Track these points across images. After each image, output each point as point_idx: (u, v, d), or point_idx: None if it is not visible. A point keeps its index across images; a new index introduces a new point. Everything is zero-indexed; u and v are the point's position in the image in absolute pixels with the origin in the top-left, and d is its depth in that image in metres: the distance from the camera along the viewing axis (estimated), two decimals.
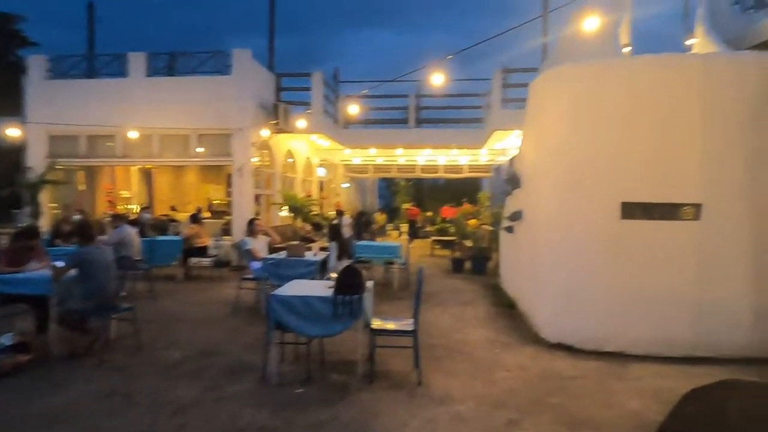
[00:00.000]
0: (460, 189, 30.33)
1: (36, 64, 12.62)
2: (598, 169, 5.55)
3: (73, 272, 5.23)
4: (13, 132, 12.51)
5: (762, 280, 5.23)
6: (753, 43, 6.17)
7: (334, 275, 5.01)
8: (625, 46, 8.02)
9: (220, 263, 10.96)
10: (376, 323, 4.74)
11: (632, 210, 5.44)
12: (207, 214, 14.74)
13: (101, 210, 14.18)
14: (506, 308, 7.73)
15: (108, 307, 5.28)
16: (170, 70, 12.46)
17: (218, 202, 17.41)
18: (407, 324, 4.74)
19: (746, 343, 5.22)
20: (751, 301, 5.23)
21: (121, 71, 12.37)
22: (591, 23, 6.03)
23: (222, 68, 12.12)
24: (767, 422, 2.77)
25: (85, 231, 5.49)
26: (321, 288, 4.82)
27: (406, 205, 25.77)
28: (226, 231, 12.52)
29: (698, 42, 7.92)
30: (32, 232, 5.98)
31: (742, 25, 7.66)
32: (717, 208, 5.26)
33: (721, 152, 5.26)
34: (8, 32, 24.53)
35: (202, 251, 10.42)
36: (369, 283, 4.80)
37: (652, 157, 5.38)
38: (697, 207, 5.30)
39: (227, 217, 13.29)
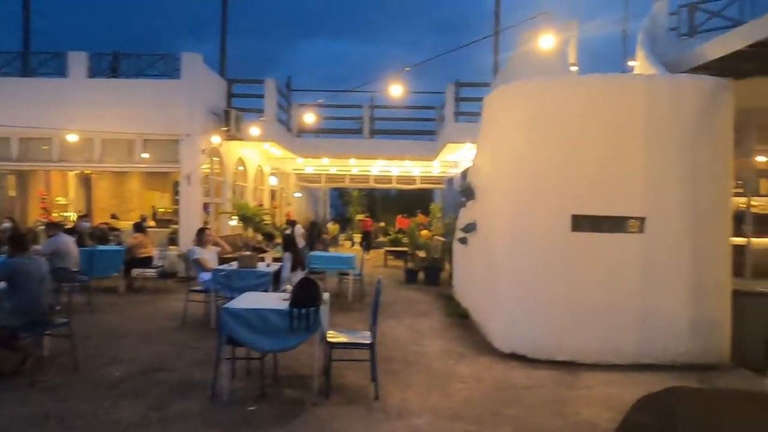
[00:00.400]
0: (413, 200, 30.66)
1: None
2: (551, 182, 5.71)
3: (2, 285, 4.82)
4: None
5: (699, 291, 5.52)
6: (688, 67, 6.57)
7: (289, 287, 4.87)
8: (573, 65, 8.37)
9: (166, 274, 10.48)
10: (333, 336, 4.64)
11: (582, 222, 5.63)
12: (152, 223, 14.10)
13: (34, 217, 13.27)
14: (460, 318, 7.79)
15: (41, 322, 4.89)
16: (114, 72, 11.90)
17: (164, 210, 16.70)
18: (364, 336, 4.67)
19: (686, 350, 5.48)
20: (689, 310, 5.51)
21: (60, 71, 11.69)
22: (546, 41, 6.24)
23: (171, 72, 11.70)
24: (714, 429, 2.88)
25: (16, 240, 5.09)
26: (275, 300, 4.67)
27: (359, 216, 25.65)
28: (173, 240, 12.01)
29: (639, 64, 8.37)
30: None
31: (677, 49, 8.17)
32: (659, 221, 5.53)
33: (662, 169, 5.55)
34: None
35: (146, 262, 9.92)
36: (325, 295, 4.69)
37: (600, 171, 5.60)
38: (642, 220, 5.55)
39: (173, 226, 12.76)
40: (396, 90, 7.94)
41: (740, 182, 6.75)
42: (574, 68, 8.34)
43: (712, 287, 5.55)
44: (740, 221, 6.61)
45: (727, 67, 5.85)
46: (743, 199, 6.85)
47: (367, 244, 19.33)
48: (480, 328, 6.89)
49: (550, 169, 5.72)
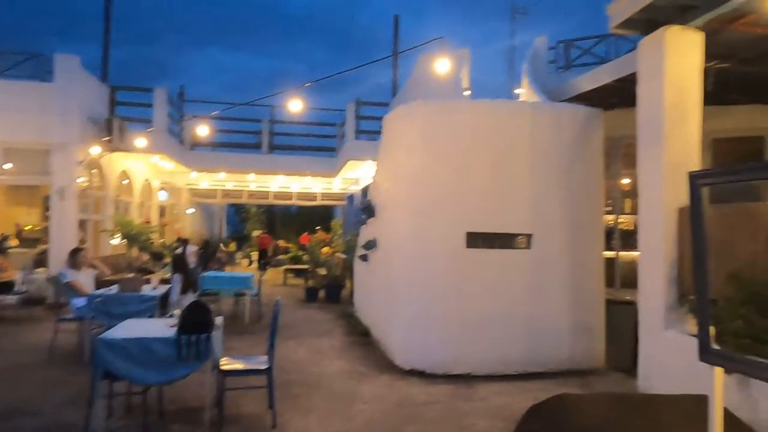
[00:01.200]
0: (314, 217, 30.35)
1: None
2: (446, 200, 5.92)
3: None
4: None
5: (578, 300, 6.01)
6: (565, 97, 7.23)
7: (177, 312, 4.50)
8: (466, 89, 8.85)
9: (31, 301, 9.28)
10: (226, 363, 4.35)
11: (476, 239, 5.89)
12: (15, 242, 12.42)
13: None
14: (361, 336, 7.76)
15: None
16: None
17: (30, 227, 14.85)
18: (261, 362, 4.43)
19: (567, 357, 5.92)
20: (570, 318, 5.96)
21: None
22: (442, 66, 6.52)
23: (42, 74, 10.51)
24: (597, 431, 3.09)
25: None
26: (161, 327, 4.28)
27: (256, 233, 24.58)
28: (40, 262, 10.67)
29: (524, 92, 9.07)
30: None
31: (556, 80, 8.98)
32: (544, 237, 5.95)
33: (545, 189, 6.00)
34: None
35: (6, 287, 8.69)
36: (218, 319, 4.40)
37: (491, 191, 5.92)
38: (529, 237, 5.94)
39: (42, 246, 11.35)
40: (296, 105, 7.83)
41: (609, 202, 7.53)
42: (467, 93, 8.81)
43: (589, 296, 6.07)
44: (610, 237, 7.35)
45: (597, 98, 6.52)
46: (612, 217, 7.64)
47: (264, 262, 18.67)
48: (381, 345, 6.90)
49: (445, 188, 5.93)
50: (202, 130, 12.47)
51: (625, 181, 7.86)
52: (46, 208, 11.43)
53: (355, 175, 15.47)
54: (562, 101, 6.92)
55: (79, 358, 6.13)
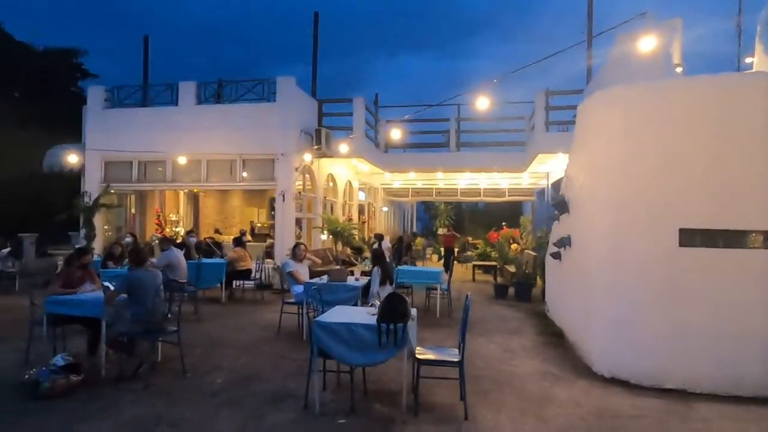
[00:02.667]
0: (502, 213, 29.89)
1: (94, 94, 13.36)
2: (653, 193, 5.29)
3: (123, 295, 5.36)
4: (73, 158, 13.20)
5: None
6: None
7: (377, 302, 4.92)
8: (677, 66, 7.74)
9: (262, 286, 11.07)
10: (421, 353, 4.60)
11: (691, 237, 5.14)
12: (250, 238, 15.01)
13: (150, 232, 14.67)
14: (554, 338, 7.41)
15: (156, 330, 5.36)
16: (218, 98, 12.93)
17: (261, 225, 17.74)
18: (453, 354, 4.58)
19: None
20: None
21: (172, 100, 12.92)
22: (647, 43, 5.84)
23: (267, 95, 12.48)
24: None
25: (136, 255, 5.64)
26: (364, 315, 4.74)
27: (441, 231, 24.60)
28: (269, 254, 12.68)
29: (757, 60, 7.54)
30: (84, 254, 6.18)
31: None
32: None
33: None
34: (70, 65, 26.18)
35: (245, 274, 10.56)
36: (413, 311, 4.68)
37: (711, 180, 5.09)
38: (766, 234, 4.95)
39: (270, 240, 13.48)
40: (482, 103, 7.82)
41: None
42: (679, 69, 7.71)
43: None
44: None
45: None
46: None
47: (447, 263, 18.58)
48: (576, 348, 6.49)
49: (652, 180, 5.30)
50: (395, 134, 13.31)
51: None
52: (272, 209, 13.53)
53: (545, 169, 14.76)
54: None
55: (299, 336, 7.14)
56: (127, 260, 7.70)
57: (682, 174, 5.18)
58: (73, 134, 14.69)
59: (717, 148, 5.10)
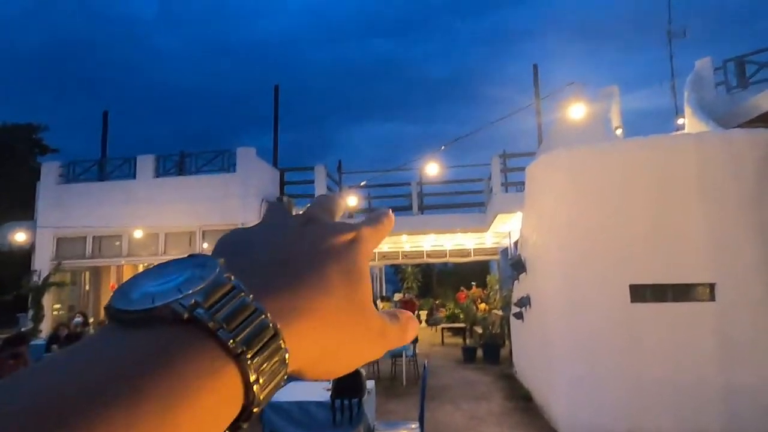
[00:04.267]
0: (470, 272, 30.03)
1: (49, 170, 13.13)
2: (602, 251, 5.42)
3: None
4: (21, 237, 12.71)
5: None
6: (742, 121, 6.27)
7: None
8: (617, 128, 8.22)
9: None
10: (379, 431, 4.39)
11: (642, 292, 5.23)
12: None
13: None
14: (522, 401, 7.23)
15: None
16: (178, 171, 12.89)
17: None
18: (412, 429, 4.39)
19: None
20: None
21: (130, 173, 12.80)
22: (577, 111, 6.22)
23: (227, 166, 12.53)
24: None
25: (76, 340, 5.32)
26: (319, 390, 4.53)
27: (398, 296, 22.34)
28: None
29: (688, 121, 8.10)
30: (19, 340, 5.79)
31: (727, 104, 7.88)
32: (732, 286, 5.03)
33: (726, 229, 5.14)
34: (30, 141, 25.92)
35: None
36: (370, 384, 4.51)
37: (656, 236, 5.26)
38: (711, 286, 5.08)
39: None
40: (432, 168, 8.05)
41: None
42: (619, 131, 8.18)
43: None
44: None
45: None
46: None
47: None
48: (543, 411, 6.34)
49: (600, 238, 5.44)
50: (352, 201, 13.43)
51: None
52: None
53: (506, 228, 15.06)
54: (737, 126, 6.02)
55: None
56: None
57: (627, 231, 5.35)
58: (30, 211, 14.28)
59: (657, 205, 5.32)
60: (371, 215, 0.39)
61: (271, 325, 0.25)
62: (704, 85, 8.58)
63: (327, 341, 0.29)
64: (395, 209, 17.19)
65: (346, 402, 4.09)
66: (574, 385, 5.42)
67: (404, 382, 8.82)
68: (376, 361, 9.19)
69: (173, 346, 0.23)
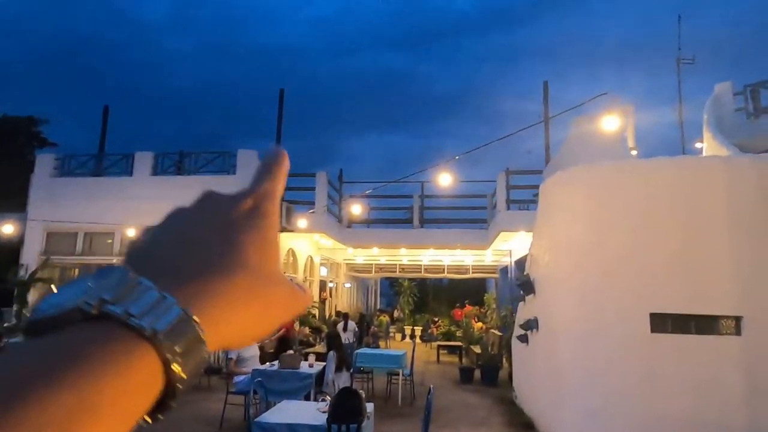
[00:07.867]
0: (466, 289, 29.62)
1: (43, 162, 12.78)
2: (622, 277, 5.09)
3: None
4: (8, 228, 12.31)
5: None
6: (765, 148, 6.02)
7: (328, 398, 4.36)
8: (632, 149, 7.96)
9: (211, 370, 10.16)
10: None
11: (664, 322, 4.89)
12: None
13: None
14: (523, 429, 6.86)
15: None
16: (177, 170, 12.56)
17: None
18: None
19: None
20: None
21: (128, 170, 12.46)
22: (610, 123, 5.92)
23: (227, 168, 12.21)
24: None
25: None
26: (314, 412, 4.16)
27: (383, 318, 20.03)
28: None
29: (706, 145, 7.84)
30: None
31: (750, 130, 7.63)
32: (760, 320, 4.71)
33: (755, 259, 4.83)
34: (29, 133, 25.55)
35: None
36: (370, 407, 4.15)
37: (681, 263, 4.94)
38: (737, 320, 4.76)
39: None
40: (445, 179, 7.75)
41: None
42: (634, 152, 7.92)
43: None
44: None
45: None
46: None
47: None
48: None
49: (620, 261, 5.12)
50: (356, 209, 13.12)
51: None
52: None
53: (507, 246, 14.75)
54: (760, 153, 5.75)
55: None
56: None
57: (648, 255, 5.03)
58: (22, 203, 13.88)
59: (682, 229, 5.01)
60: (262, 165, 0.38)
61: (179, 307, 0.26)
62: (724, 109, 8.34)
63: (241, 314, 0.30)
64: (395, 222, 16.95)
65: (343, 427, 3.73)
66: (585, 419, 5.06)
67: (399, 402, 8.43)
68: (371, 380, 8.81)
69: (85, 338, 0.24)
